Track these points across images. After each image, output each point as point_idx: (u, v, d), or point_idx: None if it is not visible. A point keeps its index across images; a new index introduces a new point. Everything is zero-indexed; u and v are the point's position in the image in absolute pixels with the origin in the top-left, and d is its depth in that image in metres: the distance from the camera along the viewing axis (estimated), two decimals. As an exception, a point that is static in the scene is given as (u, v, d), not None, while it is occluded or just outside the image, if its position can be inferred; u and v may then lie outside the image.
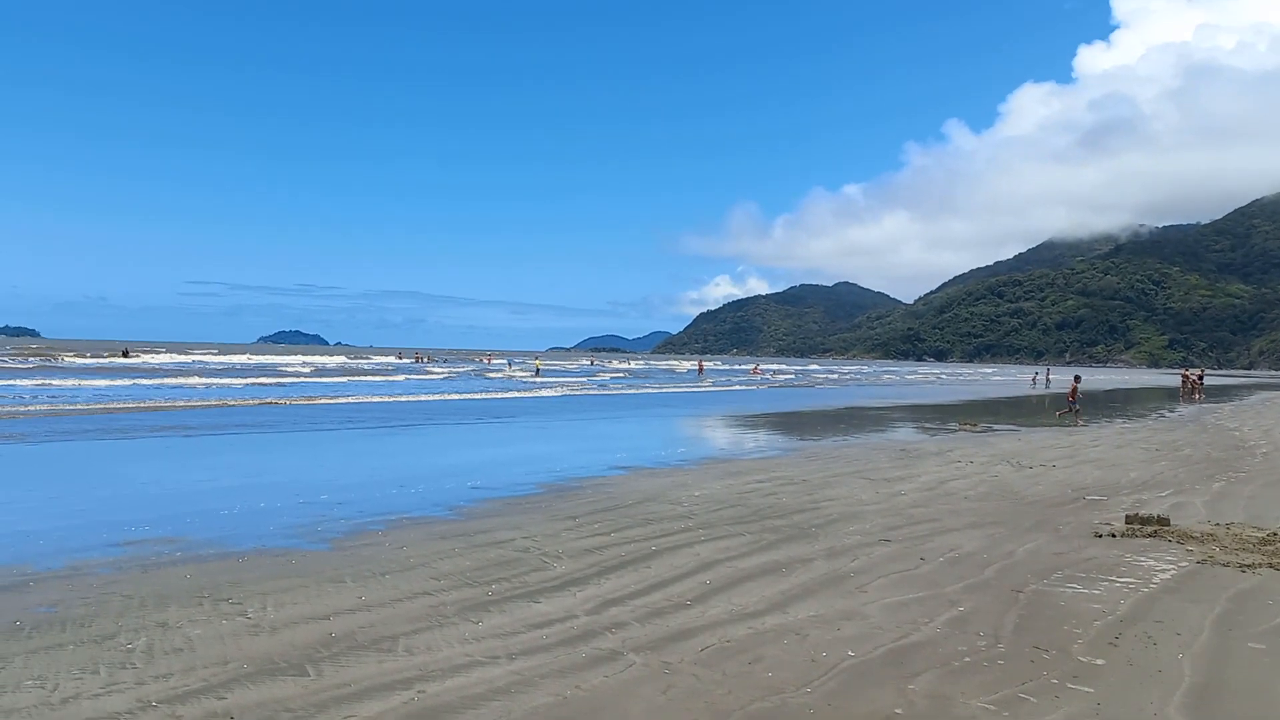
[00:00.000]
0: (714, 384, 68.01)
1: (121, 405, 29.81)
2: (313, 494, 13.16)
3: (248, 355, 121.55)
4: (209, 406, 30.52)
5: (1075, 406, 32.46)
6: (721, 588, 8.23)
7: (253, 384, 46.54)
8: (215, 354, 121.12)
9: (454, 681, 5.80)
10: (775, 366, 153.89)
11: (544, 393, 46.96)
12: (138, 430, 22.26)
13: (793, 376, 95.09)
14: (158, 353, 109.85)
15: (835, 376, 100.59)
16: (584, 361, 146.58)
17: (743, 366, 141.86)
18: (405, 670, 5.99)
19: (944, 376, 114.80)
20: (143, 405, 30.09)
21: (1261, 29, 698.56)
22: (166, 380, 48.58)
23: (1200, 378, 64.35)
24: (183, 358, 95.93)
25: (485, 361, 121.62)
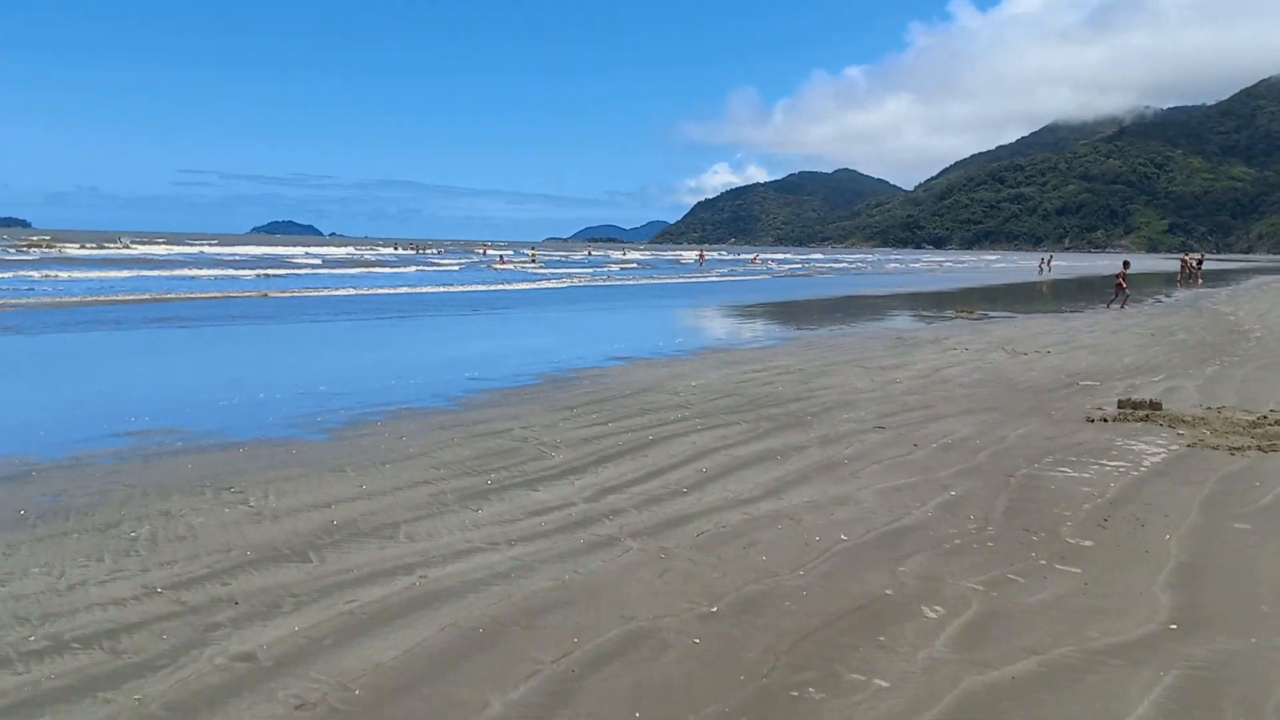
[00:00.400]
0: (715, 274, 67.79)
1: (131, 297, 29.73)
2: (312, 385, 13.21)
3: (249, 246, 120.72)
4: (209, 299, 30.45)
5: (1125, 294, 32.59)
6: (717, 475, 8.34)
7: (263, 275, 46.40)
8: (215, 245, 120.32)
9: (454, 567, 5.91)
10: (775, 256, 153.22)
11: (544, 284, 46.85)
12: (137, 322, 22.25)
13: (794, 266, 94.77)
14: (156, 244, 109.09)
15: (836, 265, 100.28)
16: (583, 254, 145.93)
17: (743, 256, 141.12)
18: (406, 556, 6.11)
19: (946, 264, 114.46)
20: (144, 297, 30.01)
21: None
22: (176, 271, 48.41)
23: (1199, 263, 64.05)
24: (185, 249, 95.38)
25: (483, 253, 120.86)
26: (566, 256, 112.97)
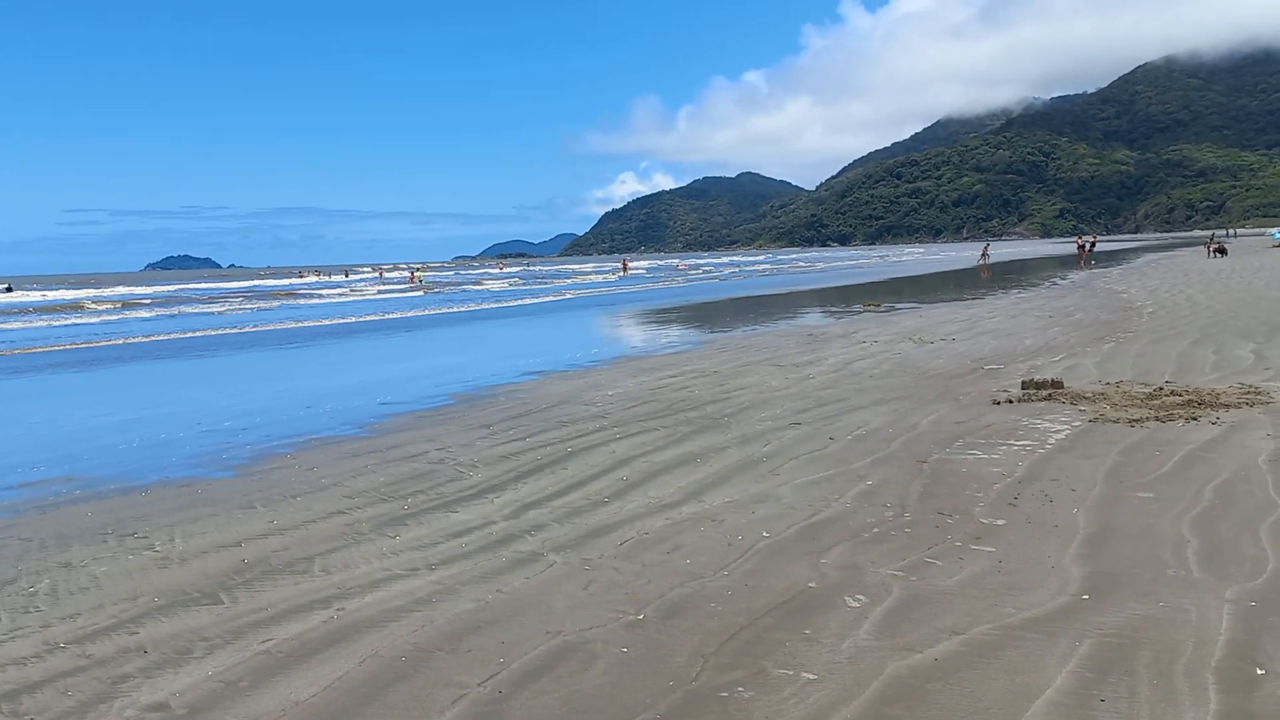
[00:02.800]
0: (635, 282, 67.90)
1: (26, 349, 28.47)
2: (215, 421, 12.82)
3: (141, 285, 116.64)
4: (83, 347, 29.36)
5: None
6: (638, 482, 8.32)
7: (184, 313, 44.90)
8: (96, 289, 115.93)
9: (374, 596, 5.77)
10: (703, 261, 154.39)
11: (456, 308, 46.35)
12: (28, 369, 21.31)
13: (719, 269, 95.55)
14: (51, 288, 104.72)
15: (753, 267, 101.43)
16: (490, 268, 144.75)
17: (670, 262, 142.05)
18: (323, 590, 5.94)
19: (852, 260, 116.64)
20: (29, 349, 28.79)
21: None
22: (63, 320, 46.50)
23: (1091, 245, 66.86)
24: (77, 293, 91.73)
25: (379, 274, 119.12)
26: (466, 271, 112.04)
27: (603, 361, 18.21)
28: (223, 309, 47.58)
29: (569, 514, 7.42)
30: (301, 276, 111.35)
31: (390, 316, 36.50)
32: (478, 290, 61.78)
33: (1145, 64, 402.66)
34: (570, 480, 8.50)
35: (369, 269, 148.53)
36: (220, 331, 31.16)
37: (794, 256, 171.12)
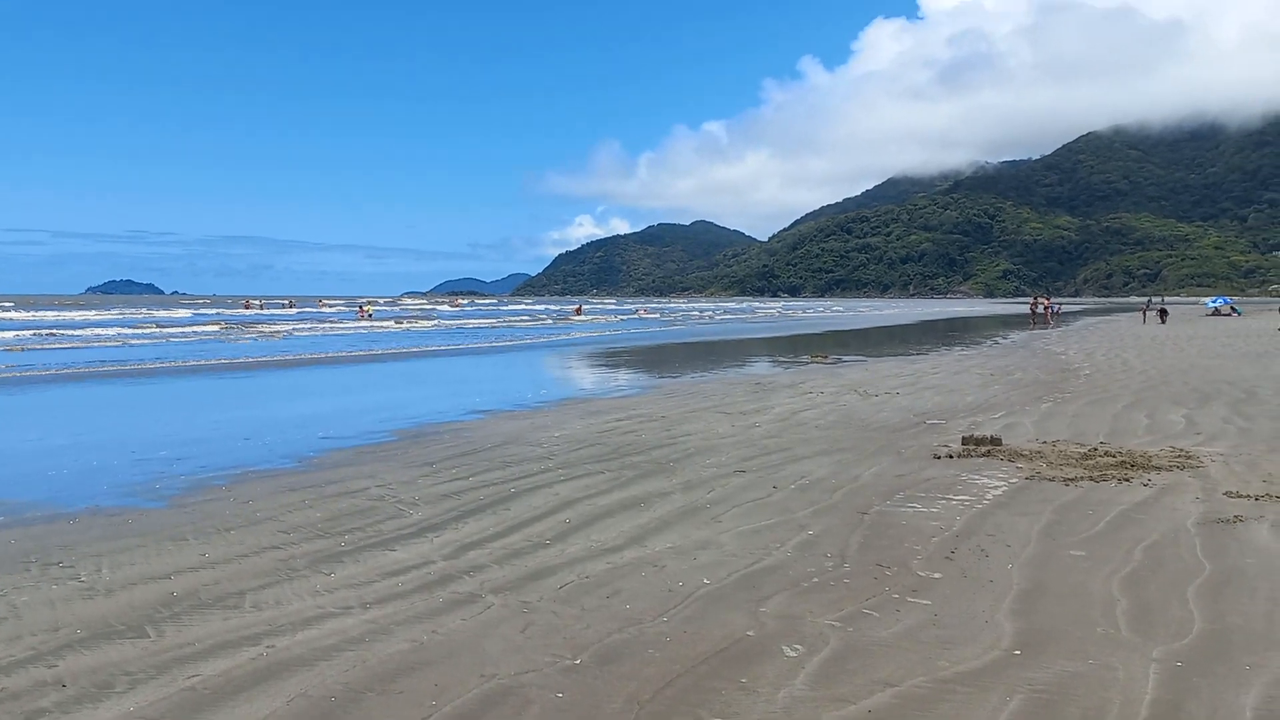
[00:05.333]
0: (589, 324, 67.92)
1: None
2: (151, 450, 12.53)
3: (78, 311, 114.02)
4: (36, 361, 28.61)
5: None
6: (581, 525, 8.28)
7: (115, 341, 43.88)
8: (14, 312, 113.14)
9: (305, 634, 5.66)
10: (665, 305, 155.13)
11: (413, 350, 45.96)
12: (-47, 391, 20.68)
13: (663, 315, 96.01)
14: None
15: (707, 315, 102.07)
16: (441, 304, 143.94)
17: (627, 305, 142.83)
18: (253, 626, 5.81)
19: (801, 311, 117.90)
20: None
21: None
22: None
23: (1047, 308, 71.21)
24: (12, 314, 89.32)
25: (318, 306, 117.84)
26: (415, 308, 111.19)
27: (551, 402, 18.16)
28: (163, 336, 46.68)
29: (509, 555, 7.35)
30: (247, 307, 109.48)
31: (334, 351, 36.09)
32: (428, 326, 61.36)
33: (1089, 133, 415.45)
34: (512, 521, 8.44)
35: (318, 301, 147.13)
36: (156, 364, 30.54)
37: (746, 305, 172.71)
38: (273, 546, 7.69)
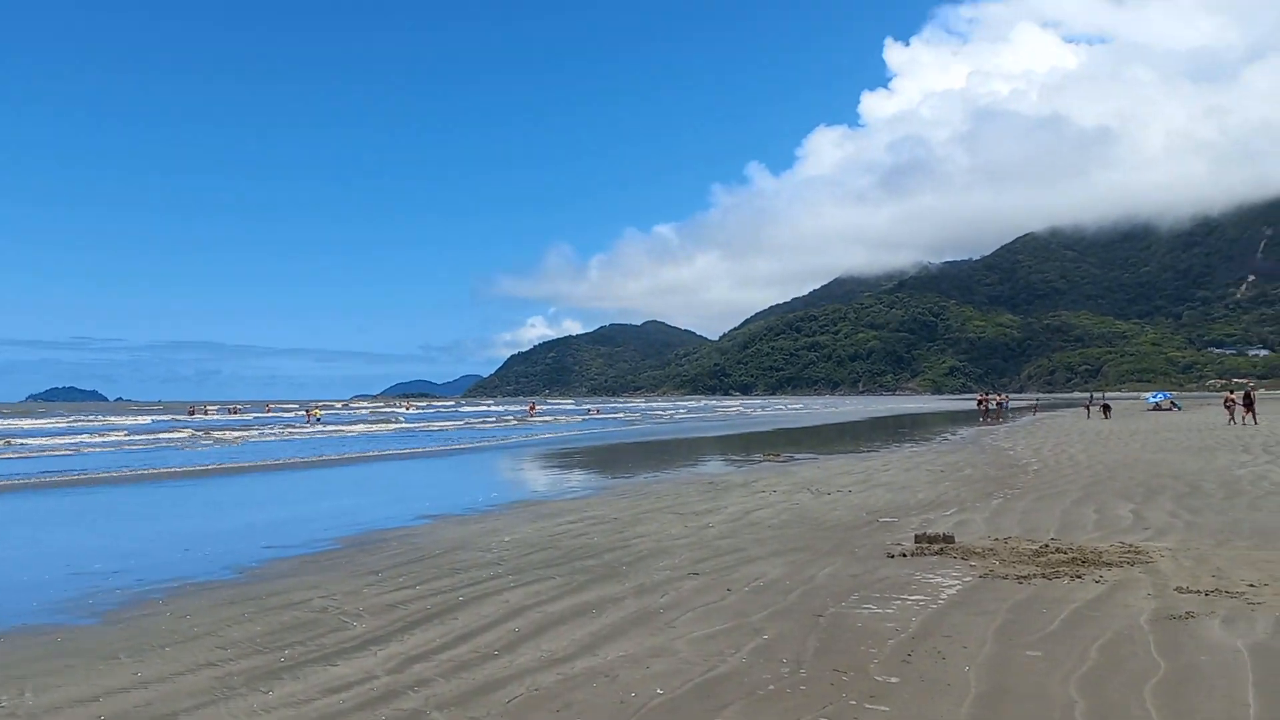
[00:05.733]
0: (543, 425, 67.49)
1: None
2: (88, 563, 12.08)
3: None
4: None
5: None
6: (531, 634, 8.06)
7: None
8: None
9: (239, 758, 5.37)
10: (595, 404, 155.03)
11: (363, 455, 45.29)
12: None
13: (618, 414, 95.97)
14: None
15: (659, 414, 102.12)
16: (396, 407, 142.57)
17: (574, 406, 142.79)
18: (184, 751, 5.51)
19: (753, 410, 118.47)
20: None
21: (1030, 77, 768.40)
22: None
23: (998, 403, 73.41)
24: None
25: (266, 410, 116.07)
26: (366, 410, 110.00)
27: (501, 506, 17.89)
28: (103, 445, 45.58)
29: (456, 668, 7.11)
30: (191, 414, 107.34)
31: (284, 457, 35.44)
32: (379, 429, 60.61)
33: (1027, 234, 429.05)
34: (460, 631, 8.19)
35: (265, 405, 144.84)
36: (93, 476, 29.72)
37: (700, 403, 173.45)
38: (209, 664, 7.37)
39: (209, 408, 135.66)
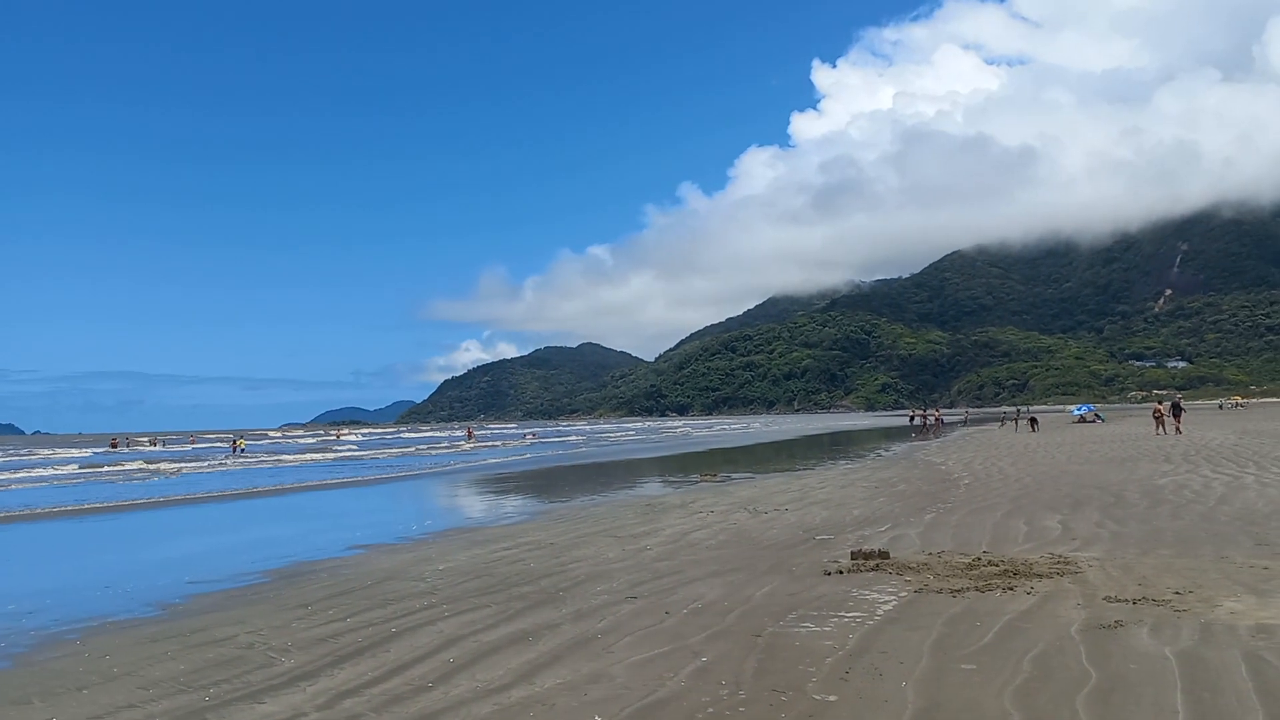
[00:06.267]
0: (479, 451, 66.72)
1: None
2: (-3, 604, 11.57)
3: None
4: None
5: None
6: (466, 664, 7.90)
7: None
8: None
9: (158, 806, 5.15)
10: (532, 428, 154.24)
11: (292, 485, 44.32)
12: None
13: (558, 439, 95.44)
14: None
15: (595, 436, 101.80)
16: (325, 435, 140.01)
17: (522, 430, 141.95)
18: (99, 800, 5.27)
19: (690, 430, 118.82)
20: None
21: (954, 98, 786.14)
22: None
23: (936, 418, 75.48)
24: None
25: (191, 442, 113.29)
26: (292, 440, 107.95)
27: (435, 533, 17.61)
28: (21, 482, 43.97)
29: (389, 701, 6.93)
30: (114, 446, 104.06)
31: (213, 490, 34.54)
32: (308, 459, 59.46)
33: (954, 252, 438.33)
34: (392, 664, 7.99)
35: (189, 437, 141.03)
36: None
37: (639, 425, 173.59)
38: (130, 705, 7.09)
39: (132, 439, 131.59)
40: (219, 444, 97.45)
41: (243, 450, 68.97)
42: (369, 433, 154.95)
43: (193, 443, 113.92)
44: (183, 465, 53.91)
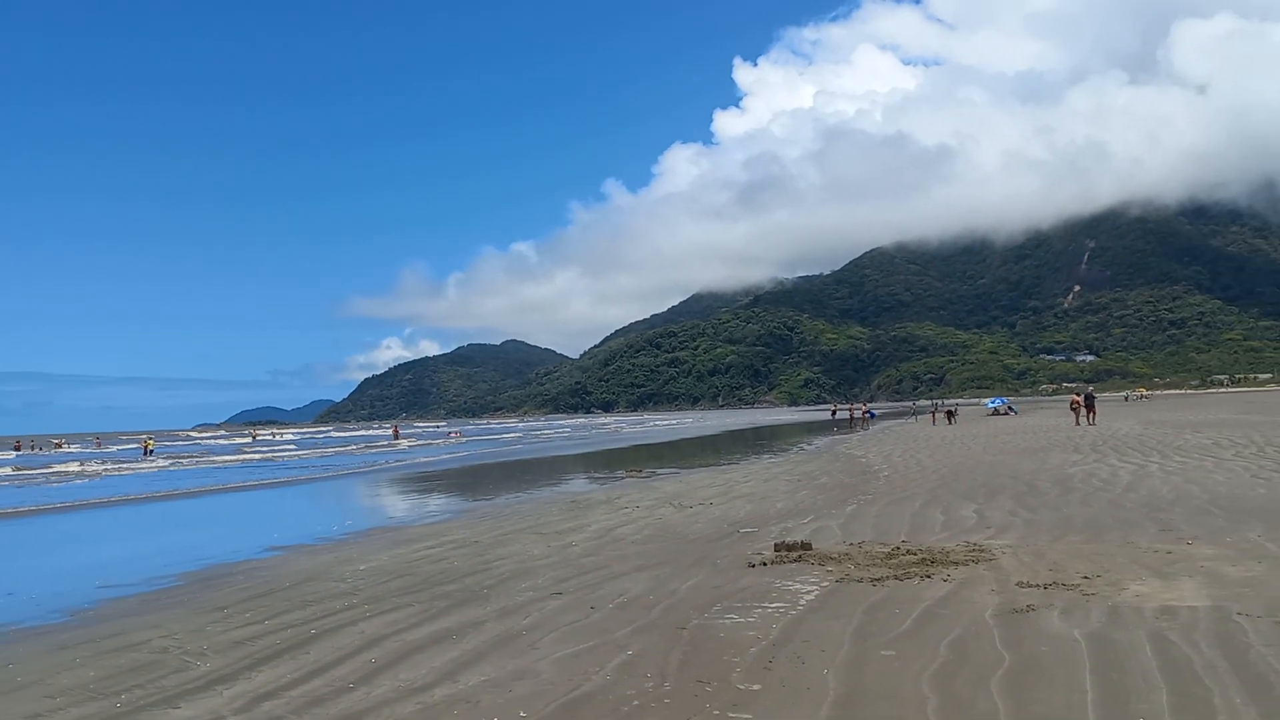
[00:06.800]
0: (403, 450, 65.74)
1: None
2: (-109, 615, 11.05)
3: None
4: None
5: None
6: (388, 664, 7.80)
7: None
8: None
9: (67, 817, 4.98)
10: (456, 426, 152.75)
11: (206, 488, 43.18)
12: None
13: (481, 436, 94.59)
14: None
15: (521, 434, 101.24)
16: (239, 435, 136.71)
17: (443, 429, 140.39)
18: (3, 813, 5.08)
19: (616, 426, 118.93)
20: None
21: (873, 97, 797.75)
22: None
23: (865, 412, 77.57)
24: None
25: (98, 444, 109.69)
26: (214, 441, 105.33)
27: (356, 533, 17.34)
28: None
29: (309, 703, 6.81)
30: (18, 449, 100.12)
31: (113, 494, 33.48)
32: (225, 461, 58.02)
33: (874, 249, 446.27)
34: (313, 665, 7.85)
35: (94, 439, 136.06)
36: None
37: (567, 423, 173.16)
38: (36, 715, 6.84)
39: (39, 442, 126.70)
40: (130, 445, 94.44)
41: (152, 452, 66.80)
42: (294, 433, 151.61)
43: (98, 444, 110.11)
44: (86, 467, 52.16)
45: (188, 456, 64.08)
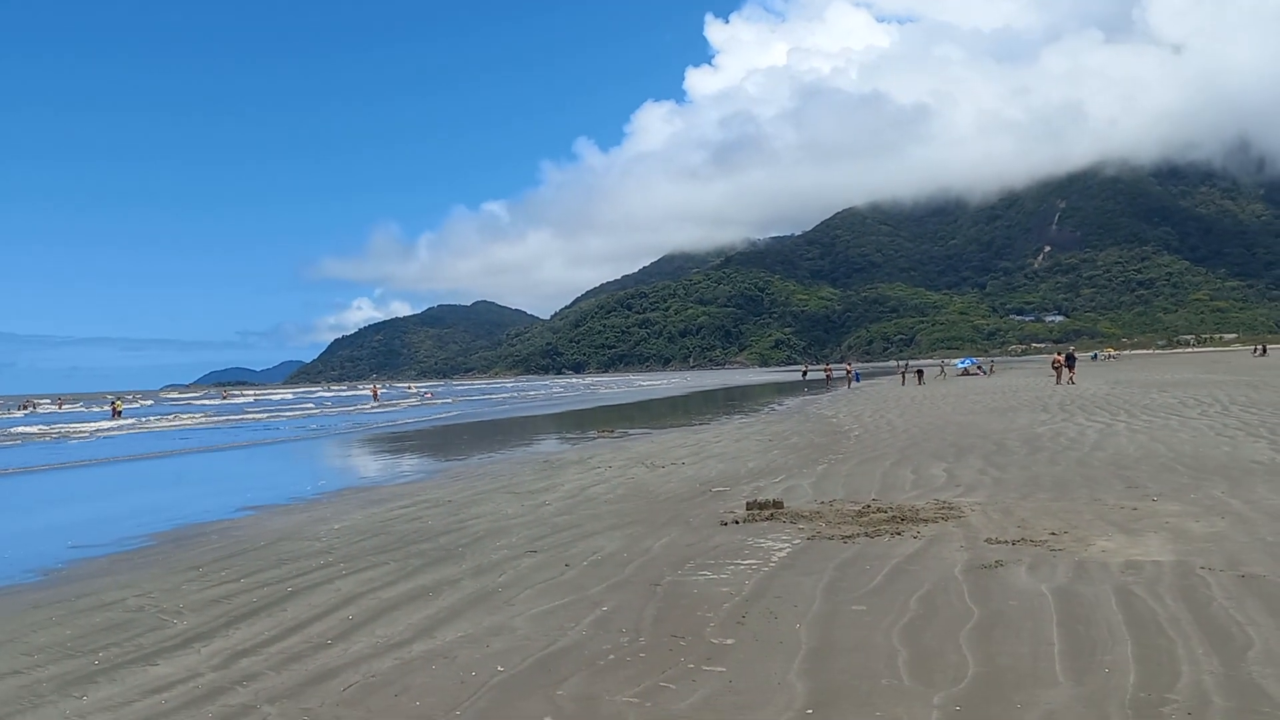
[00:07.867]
0: (375, 413, 65.44)
1: None
2: None
3: None
4: None
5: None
6: (365, 621, 7.86)
7: None
8: None
9: (48, 772, 5.02)
10: (428, 386, 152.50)
11: (178, 449, 42.83)
12: None
13: (454, 397, 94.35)
14: None
15: (494, 395, 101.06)
16: (208, 397, 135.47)
17: (415, 389, 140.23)
18: (-16, 769, 5.11)
19: (589, 386, 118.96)
20: None
21: (849, 55, 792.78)
22: None
23: (846, 371, 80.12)
24: None
25: (57, 406, 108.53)
26: (186, 401, 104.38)
27: (331, 493, 17.34)
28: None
29: (287, 660, 6.86)
30: (25, 409, 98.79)
31: (82, 456, 33.20)
32: (197, 423, 57.57)
33: (846, 209, 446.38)
34: (289, 623, 7.90)
35: (56, 400, 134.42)
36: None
37: (537, 382, 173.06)
38: (13, 672, 6.85)
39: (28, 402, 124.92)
40: (97, 409, 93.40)
41: (120, 414, 66.14)
42: (262, 393, 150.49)
43: (61, 406, 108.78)
44: (48, 427, 51.59)
45: (160, 417, 63.49)
